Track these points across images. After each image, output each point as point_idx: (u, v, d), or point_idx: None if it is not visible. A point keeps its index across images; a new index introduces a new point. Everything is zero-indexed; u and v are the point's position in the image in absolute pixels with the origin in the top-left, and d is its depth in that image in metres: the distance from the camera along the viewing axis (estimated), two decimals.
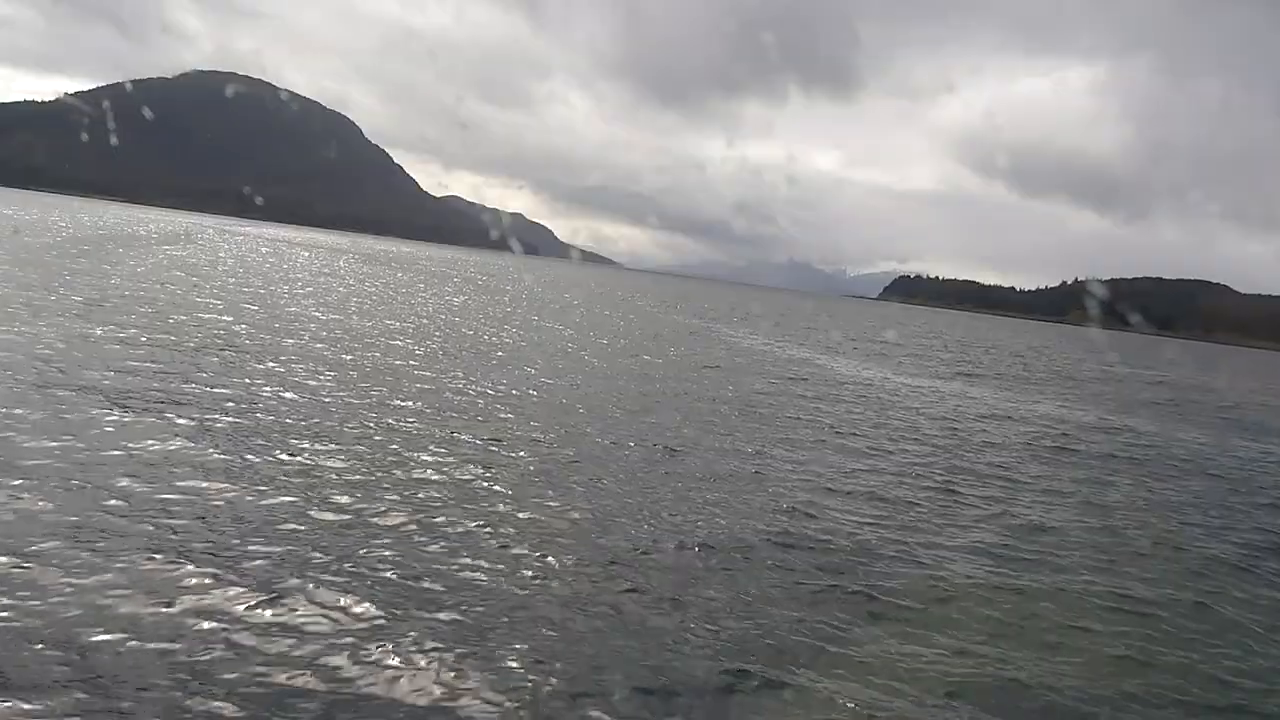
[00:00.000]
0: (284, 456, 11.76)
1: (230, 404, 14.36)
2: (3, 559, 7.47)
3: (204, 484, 10.10)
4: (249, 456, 11.50)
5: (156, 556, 7.94)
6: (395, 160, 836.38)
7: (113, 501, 9.13)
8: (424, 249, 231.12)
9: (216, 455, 11.33)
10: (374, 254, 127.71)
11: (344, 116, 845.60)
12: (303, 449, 12.26)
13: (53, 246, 48.07)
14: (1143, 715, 7.62)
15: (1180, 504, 16.68)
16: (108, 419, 12.26)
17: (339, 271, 66.40)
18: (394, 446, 13.07)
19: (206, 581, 7.62)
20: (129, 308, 24.95)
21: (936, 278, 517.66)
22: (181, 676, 6.15)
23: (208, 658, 6.45)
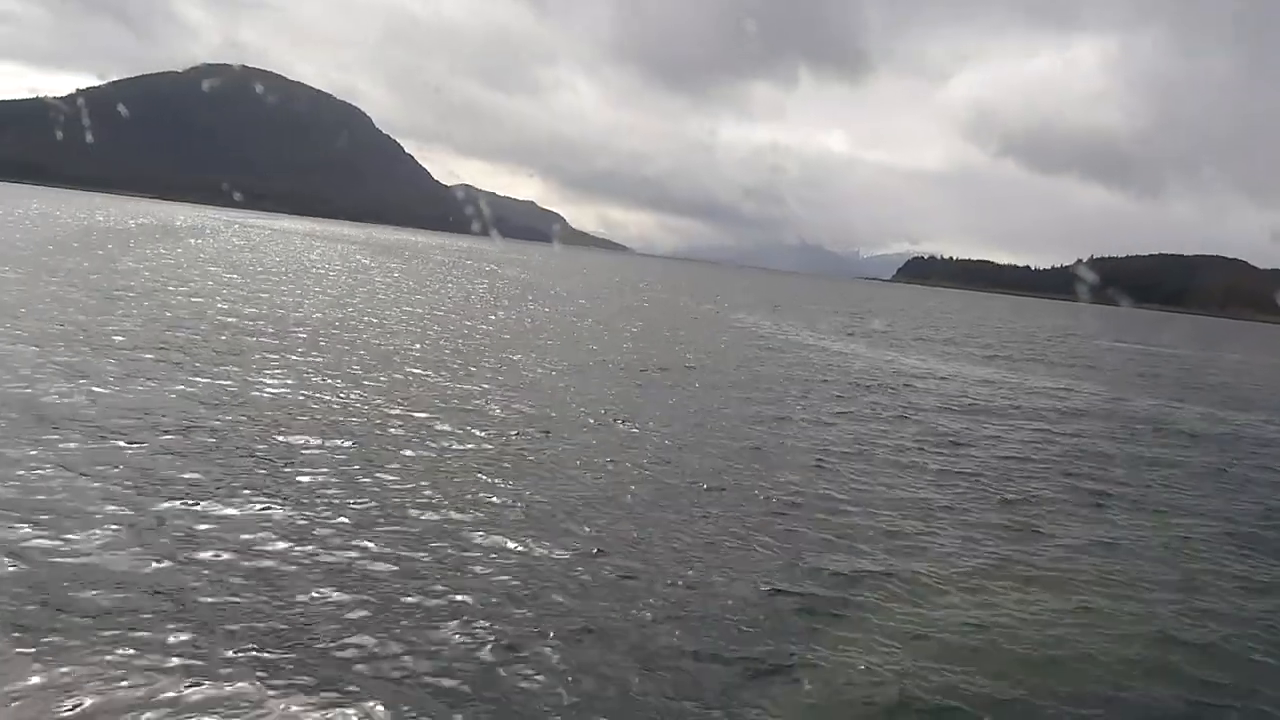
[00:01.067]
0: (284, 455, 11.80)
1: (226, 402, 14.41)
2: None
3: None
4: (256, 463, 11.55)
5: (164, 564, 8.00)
6: (406, 150, 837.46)
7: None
8: (435, 238, 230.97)
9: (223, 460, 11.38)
10: (387, 245, 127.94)
11: (354, 107, 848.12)
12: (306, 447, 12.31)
13: (50, 241, 48.33)
14: (1138, 708, 7.57)
15: (1193, 486, 16.55)
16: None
17: (359, 267, 66.43)
18: (399, 436, 13.14)
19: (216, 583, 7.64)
20: (137, 304, 25.06)
21: (950, 258, 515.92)
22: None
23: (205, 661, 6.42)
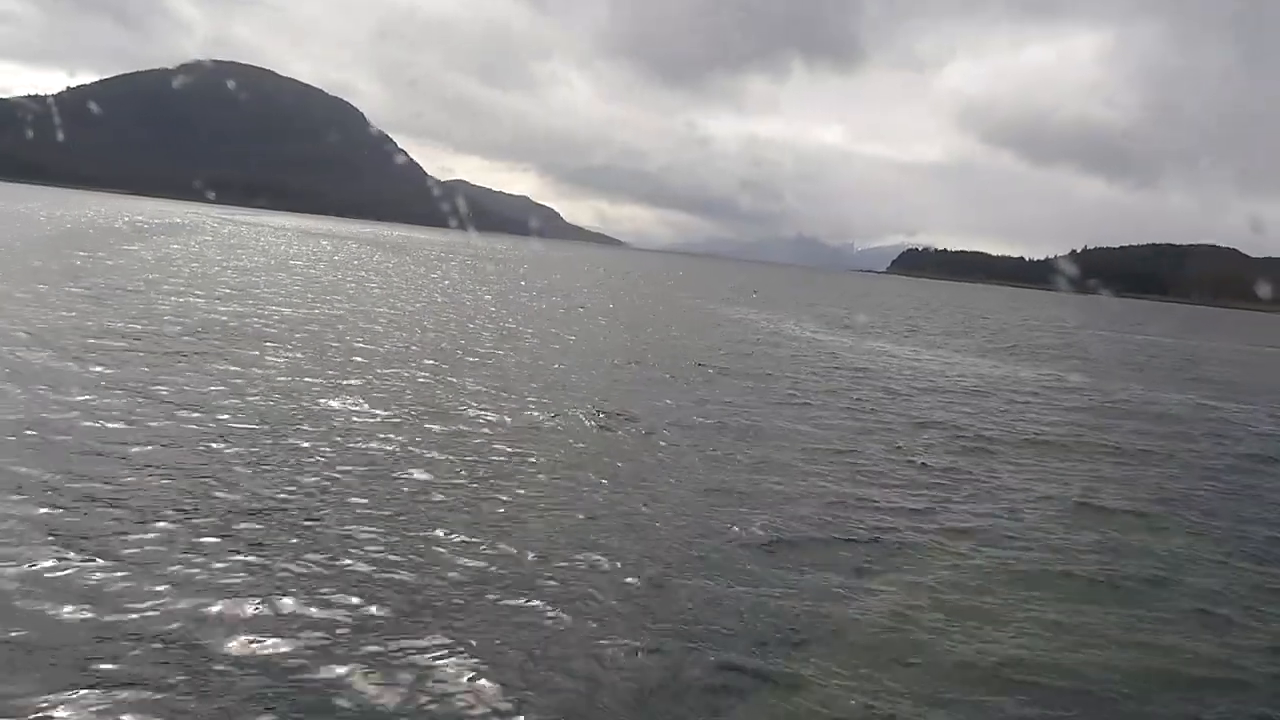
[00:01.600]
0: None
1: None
2: None
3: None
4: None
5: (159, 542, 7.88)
6: (400, 145, 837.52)
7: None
8: (423, 234, 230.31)
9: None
10: (372, 240, 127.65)
11: (346, 103, 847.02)
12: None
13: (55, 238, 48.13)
14: (1131, 697, 7.49)
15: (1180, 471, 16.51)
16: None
17: (349, 262, 66.23)
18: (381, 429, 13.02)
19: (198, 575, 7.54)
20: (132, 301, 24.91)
21: (944, 249, 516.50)
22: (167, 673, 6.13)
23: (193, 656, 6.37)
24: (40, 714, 5.54)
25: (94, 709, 5.68)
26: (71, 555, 7.77)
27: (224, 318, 24.30)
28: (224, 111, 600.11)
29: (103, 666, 6.17)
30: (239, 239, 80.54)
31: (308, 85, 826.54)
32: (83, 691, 5.83)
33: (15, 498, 8.94)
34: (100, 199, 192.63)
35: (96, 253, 43.49)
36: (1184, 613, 9.41)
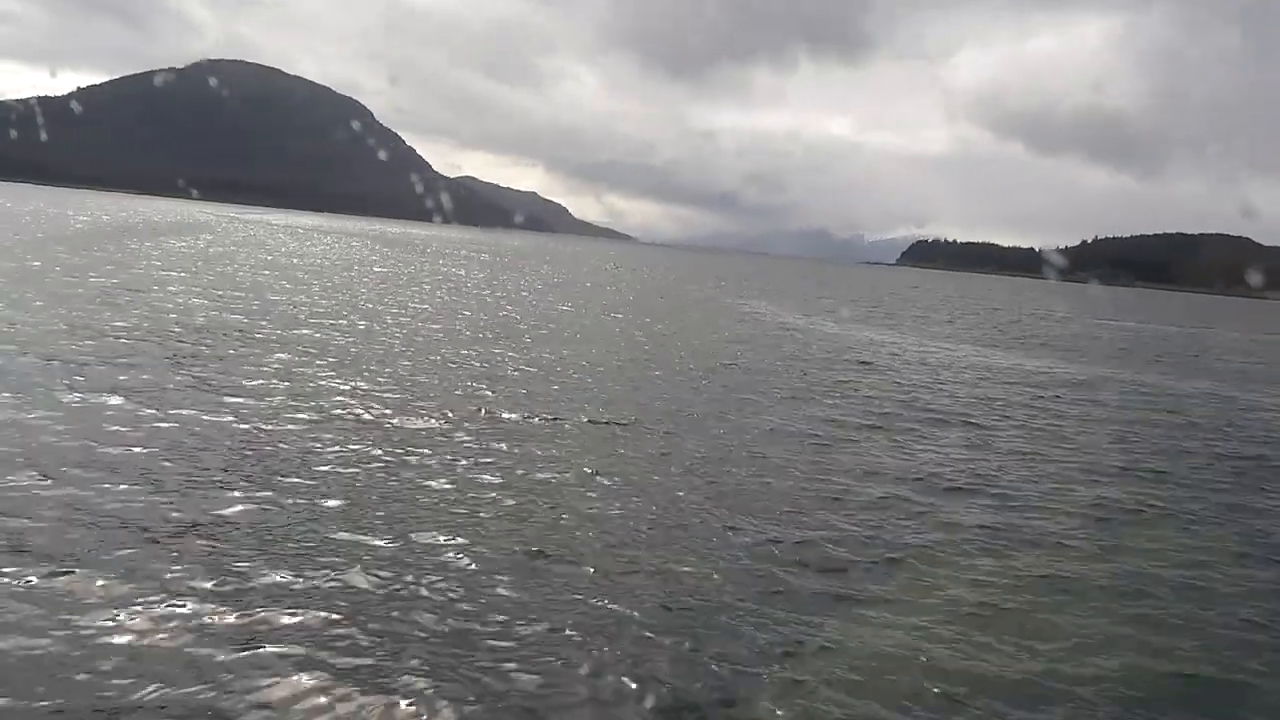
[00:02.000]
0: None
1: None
2: None
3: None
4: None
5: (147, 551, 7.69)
6: (407, 142, 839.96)
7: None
8: (439, 231, 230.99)
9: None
10: (389, 237, 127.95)
11: (354, 100, 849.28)
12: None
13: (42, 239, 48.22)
14: (1133, 698, 7.27)
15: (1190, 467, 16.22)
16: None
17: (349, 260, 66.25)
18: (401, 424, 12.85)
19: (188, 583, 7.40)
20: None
21: (954, 241, 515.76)
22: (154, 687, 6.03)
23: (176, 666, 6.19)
24: None
25: None
26: (55, 562, 7.59)
27: (225, 317, 24.19)
28: (228, 110, 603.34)
29: (82, 676, 6.05)
30: (244, 237, 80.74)
31: (314, 83, 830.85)
32: (62, 701, 5.75)
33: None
34: (102, 198, 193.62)
35: (97, 252, 43.54)
36: (1190, 614, 9.13)
